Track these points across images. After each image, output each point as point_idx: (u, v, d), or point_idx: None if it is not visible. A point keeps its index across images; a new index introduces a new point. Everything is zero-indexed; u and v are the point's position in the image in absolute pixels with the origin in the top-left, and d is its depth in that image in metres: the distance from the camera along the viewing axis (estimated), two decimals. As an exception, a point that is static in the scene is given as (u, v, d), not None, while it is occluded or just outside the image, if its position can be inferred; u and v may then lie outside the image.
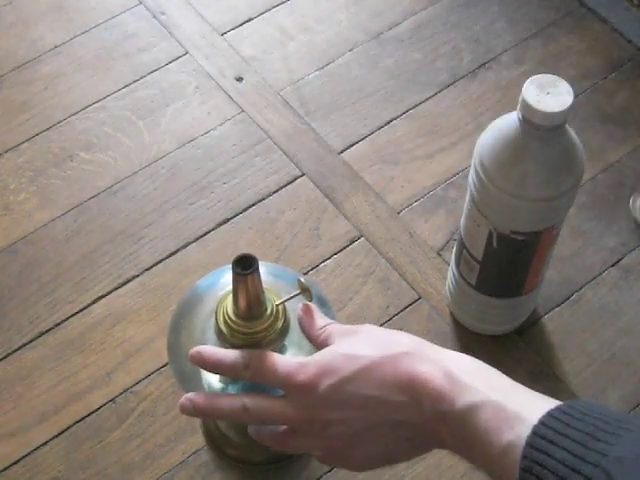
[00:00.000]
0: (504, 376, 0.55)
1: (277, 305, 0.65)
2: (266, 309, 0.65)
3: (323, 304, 0.70)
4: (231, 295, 0.64)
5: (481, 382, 0.54)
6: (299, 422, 0.60)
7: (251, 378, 0.62)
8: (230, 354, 0.62)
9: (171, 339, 0.70)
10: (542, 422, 0.48)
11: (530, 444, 0.48)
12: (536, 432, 0.48)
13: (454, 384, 0.54)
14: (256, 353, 0.62)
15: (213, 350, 0.63)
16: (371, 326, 0.62)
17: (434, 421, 0.55)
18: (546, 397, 0.52)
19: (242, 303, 0.63)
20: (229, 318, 0.65)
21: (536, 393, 0.53)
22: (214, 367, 0.63)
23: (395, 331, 0.61)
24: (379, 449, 0.59)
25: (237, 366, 0.62)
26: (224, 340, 0.66)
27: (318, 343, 0.63)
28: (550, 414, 0.49)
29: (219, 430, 0.80)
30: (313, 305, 0.65)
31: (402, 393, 0.56)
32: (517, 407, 0.51)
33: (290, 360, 0.60)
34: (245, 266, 0.61)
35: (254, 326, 0.65)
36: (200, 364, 0.63)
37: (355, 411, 0.57)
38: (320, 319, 0.64)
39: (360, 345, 0.59)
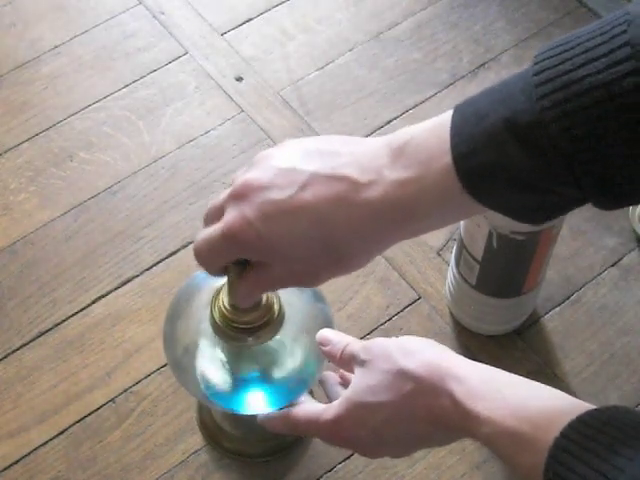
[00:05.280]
0: (515, 382, 0.55)
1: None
2: (260, 300, 0.65)
3: (319, 300, 0.71)
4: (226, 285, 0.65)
5: (492, 408, 0.54)
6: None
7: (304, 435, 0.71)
8: (282, 423, 0.67)
9: (167, 328, 0.71)
10: (564, 434, 0.48)
11: (552, 457, 0.48)
12: (558, 445, 0.48)
13: (466, 418, 0.55)
14: (298, 416, 0.65)
15: (274, 420, 0.68)
16: (379, 349, 0.62)
17: (466, 437, 0.58)
18: (563, 400, 0.52)
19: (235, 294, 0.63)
20: (224, 308, 0.65)
21: (552, 396, 0.53)
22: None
23: (402, 350, 0.61)
24: (422, 447, 0.63)
25: (276, 431, 0.68)
26: (218, 330, 0.66)
27: (339, 362, 0.66)
28: (572, 426, 0.48)
29: (215, 423, 0.80)
30: (327, 330, 0.68)
31: (428, 424, 0.58)
32: (533, 429, 0.50)
33: (326, 416, 0.63)
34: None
35: (248, 317, 0.65)
36: (271, 429, 0.69)
37: (396, 446, 0.62)
38: (335, 337, 0.67)
39: (374, 389, 0.61)
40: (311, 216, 0.52)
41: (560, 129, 0.45)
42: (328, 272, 0.55)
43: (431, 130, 0.50)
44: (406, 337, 0.63)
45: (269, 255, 0.54)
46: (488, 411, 0.53)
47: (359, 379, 0.62)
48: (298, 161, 0.53)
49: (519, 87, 0.47)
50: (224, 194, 0.57)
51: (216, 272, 0.59)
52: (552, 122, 0.45)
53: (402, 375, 0.59)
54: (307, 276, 0.56)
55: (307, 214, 0.52)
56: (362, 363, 0.62)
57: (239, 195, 0.54)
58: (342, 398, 0.62)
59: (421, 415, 0.58)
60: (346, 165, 0.52)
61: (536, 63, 0.47)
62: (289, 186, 0.52)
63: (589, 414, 0.49)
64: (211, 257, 0.57)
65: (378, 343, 0.63)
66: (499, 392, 0.54)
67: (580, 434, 0.47)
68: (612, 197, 0.46)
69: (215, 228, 0.55)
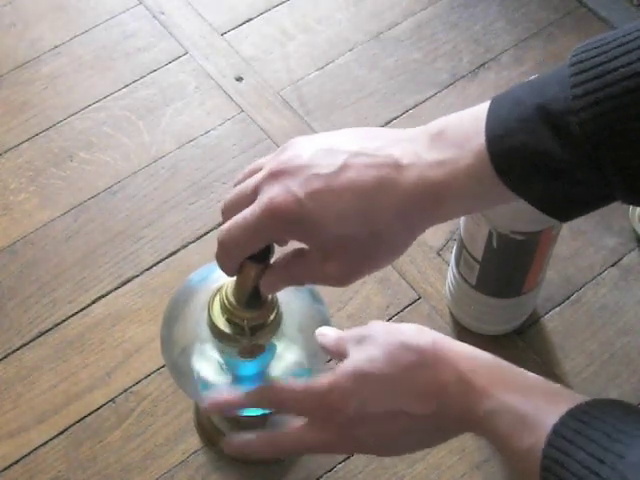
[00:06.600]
0: (517, 370, 0.55)
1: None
2: (265, 299, 0.65)
3: (316, 300, 0.71)
4: (227, 285, 0.64)
5: (496, 385, 0.53)
6: (330, 440, 0.60)
7: (278, 411, 0.62)
8: (251, 396, 0.62)
9: (164, 331, 0.70)
10: (562, 422, 0.48)
11: (550, 443, 0.48)
12: (556, 432, 0.48)
13: (469, 391, 0.54)
14: (275, 387, 0.61)
15: (228, 396, 0.63)
16: (377, 326, 0.60)
17: (460, 423, 0.56)
18: (563, 391, 0.52)
19: (244, 292, 0.63)
20: (229, 304, 0.64)
21: (553, 387, 0.53)
22: (231, 409, 0.63)
23: (402, 329, 0.59)
24: (412, 443, 0.60)
25: (260, 404, 0.62)
26: (216, 332, 0.66)
27: (333, 354, 0.64)
28: (570, 413, 0.48)
29: (212, 425, 0.80)
30: (325, 328, 0.66)
31: (423, 404, 0.56)
32: (534, 410, 0.50)
33: (314, 386, 0.60)
34: (259, 255, 0.58)
35: (248, 315, 0.64)
36: (218, 411, 0.64)
37: (383, 425, 0.58)
38: (333, 333, 0.65)
39: (373, 358, 0.58)
40: (355, 194, 0.52)
41: (589, 116, 0.46)
42: (366, 260, 0.54)
43: (469, 116, 0.51)
44: (404, 323, 0.61)
45: (311, 234, 0.53)
46: (492, 387, 0.53)
47: (357, 352, 0.59)
48: (336, 143, 0.54)
49: (555, 78, 0.48)
50: (253, 179, 0.56)
51: (234, 267, 0.58)
52: (582, 110, 0.46)
53: (405, 347, 0.57)
54: (343, 270, 0.55)
55: (351, 191, 0.52)
56: (361, 340, 0.60)
57: (279, 172, 0.53)
58: (336, 368, 0.60)
59: (418, 390, 0.56)
60: (389, 146, 0.53)
61: (573, 56, 0.48)
62: (331, 164, 0.52)
63: (589, 403, 0.49)
64: (244, 241, 0.55)
65: (379, 322, 0.61)
66: (504, 373, 0.54)
67: (579, 421, 0.48)
68: (636, 188, 0.47)
69: (251, 209, 0.53)
